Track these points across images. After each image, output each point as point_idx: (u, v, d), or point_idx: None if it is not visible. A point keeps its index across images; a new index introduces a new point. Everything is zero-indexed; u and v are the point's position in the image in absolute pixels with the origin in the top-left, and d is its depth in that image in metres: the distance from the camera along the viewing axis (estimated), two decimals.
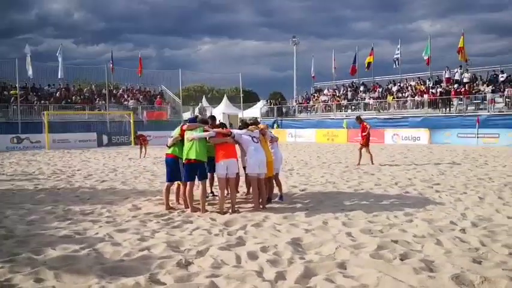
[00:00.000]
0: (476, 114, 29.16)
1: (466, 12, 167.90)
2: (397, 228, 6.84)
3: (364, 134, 16.87)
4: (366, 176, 13.25)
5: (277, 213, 8.06)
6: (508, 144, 26.08)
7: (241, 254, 5.54)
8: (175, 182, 8.88)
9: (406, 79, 38.30)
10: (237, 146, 8.56)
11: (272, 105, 44.26)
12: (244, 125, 9.16)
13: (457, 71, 33.99)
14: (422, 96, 33.82)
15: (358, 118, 17.65)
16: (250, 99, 60.96)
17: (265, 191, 8.69)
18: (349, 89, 40.87)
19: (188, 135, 8.30)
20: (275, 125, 41.50)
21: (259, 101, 57.51)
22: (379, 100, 36.66)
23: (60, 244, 6.15)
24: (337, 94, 40.87)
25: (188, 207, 8.55)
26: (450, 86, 33.28)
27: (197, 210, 8.35)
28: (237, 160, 8.36)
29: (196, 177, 8.33)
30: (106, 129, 34.70)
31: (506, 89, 29.67)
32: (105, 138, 33.20)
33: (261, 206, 8.45)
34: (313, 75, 46.18)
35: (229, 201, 8.42)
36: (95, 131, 33.56)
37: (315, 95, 43.46)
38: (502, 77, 31.95)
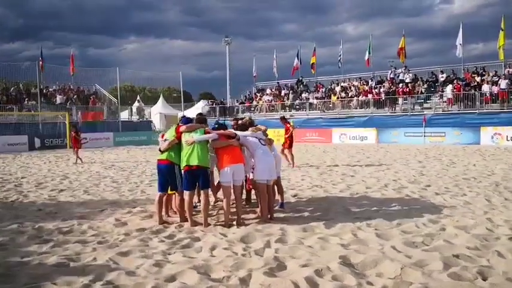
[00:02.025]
0: (421, 114, 29.78)
1: (387, 17, 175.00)
2: (438, 238, 6.16)
3: (286, 135, 16.26)
4: (347, 178, 12.66)
5: (290, 224, 7.17)
6: (454, 142, 26.78)
7: (298, 281, 4.59)
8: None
9: (349, 79, 38.62)
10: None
11: (214, 105, 43.12)
12: (239, 125, 8.20)
13: (401, 71, 34.62)
14: (366, 96, 34.12)
15: (283, 118, 16.89)
16: (185, 99, 59.34)
17: (272, 200, 7.78)
18: (291, 91, 40.57)
19: (187, 137, 7.21)
20: (216, 126, 40.33)
21: (192, 101, 56.07)
22: (323, 100, 36.63)
23: (59, 276, 4.91)
24: (282, 94, 40.45)
25: (185, 221, 7.48)
26: (393, 86, 33.83)
27: (198, 224, 7.29)
28: (245, 165, 7.39)
29: (197, 186, 7.27)
30: (38, 132, 32.01)
31: (447, 89, 30.47)
32: (37, 141, 30.56)
33: (269, 217, 7.54)
34: (254, 74, 45.55)
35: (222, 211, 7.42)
36: (25, 134, 30.81)
37: (258, 94, 42.83)
38: (442, 77, 32.92)
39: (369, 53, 37.16)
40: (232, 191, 7.34)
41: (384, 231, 6.61)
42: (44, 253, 5.87)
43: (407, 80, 33.70)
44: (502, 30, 31.20)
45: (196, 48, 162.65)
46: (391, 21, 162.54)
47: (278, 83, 42.79)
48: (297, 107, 37.86)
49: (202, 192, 7.24)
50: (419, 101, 31.77)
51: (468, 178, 12.01)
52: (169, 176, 7.37)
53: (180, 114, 45.78)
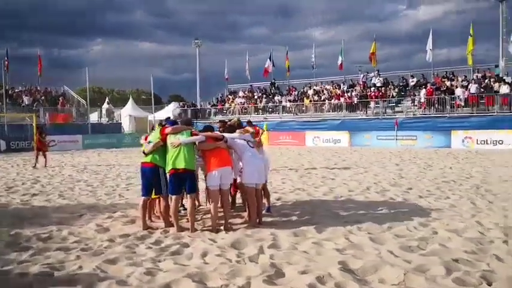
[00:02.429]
0: (393, 117, 30.12)
1: (353, 22, 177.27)
2: (433, 242, 6.08)
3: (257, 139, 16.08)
4: (328, 181, 12.58)
5: (279, 229, 6.99)
6: (425, 146, 27.16)
7: None
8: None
9: (322, 82, 38.83)
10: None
11: (186, 108, 42.63)
12: (227, 126, 7.98)
13: (373, 75, 34.97)
14: (339, 99, 34.32)
15: (249, 122, 16.66)
16: (155, 101, 58.34)
17: (261, 204, 7.58)
18: (264, 94, 40.52)
19: (173, 139, 6.94)
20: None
21: (162, 103, 55.12)
22: (296, 103, 36.67)
23: (44, 287, 4.59)
24: (255, 96, 40.32)
25: (170, 226, 7.21)
26: (364, 90, 34.15)
27: (184, 230, 7.03)
28: (232, 168, 7.17)
29: (184, 190, 7.02)
30: (4, 134, 30.90)
31: (421, 93, 30.86)
32: (3, 144, 29.51)
33: (257, 221, 7.34)
34: (226, 77, 45.32)
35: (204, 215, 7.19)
36: None
37: (230, 97, 42.59)
38: (413, 81, 33.41)
39: (342, 57, 37.44)
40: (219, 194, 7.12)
41: (377, 235, 6.50)
42: (25, 261, 5.52)
43: (379, 84, 34.06)
44: (471, 36, 31.90)
45: (165, 51, 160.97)
46: (357, 26, 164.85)
47: (251, 85, 42.64)
48: (270, 109, 37.77)
49: (188, 196, 6.99)
50: (390, 105, 32.12)
51: (448, 181, 12.08)
52: (153, 180, 7.09)
53: (150, 116, 45.18)
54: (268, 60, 41.11)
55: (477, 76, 30.39)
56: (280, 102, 37.82)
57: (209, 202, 8.88)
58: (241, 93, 42.61)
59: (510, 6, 34.14)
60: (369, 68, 36.76)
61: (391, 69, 35.79)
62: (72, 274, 5.01)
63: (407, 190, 10.67)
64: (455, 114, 28.24)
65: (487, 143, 25.62)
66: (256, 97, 40.41)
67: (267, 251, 5.84)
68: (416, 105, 31.00)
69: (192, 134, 7.03)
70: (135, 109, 48.97)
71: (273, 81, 41.59)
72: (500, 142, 25.15)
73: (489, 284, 4.51)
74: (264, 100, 39.28)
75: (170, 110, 44.42)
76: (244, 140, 7.35)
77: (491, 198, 9.39)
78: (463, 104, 28.45)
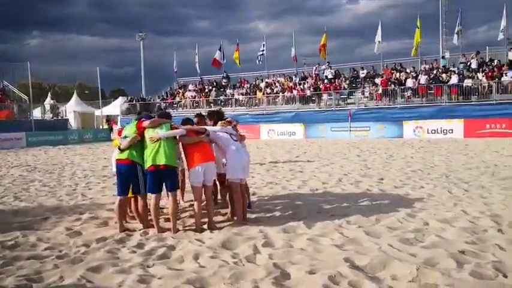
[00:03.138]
0: (346, 109, 30.44)
1: (296, 15, 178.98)
2: (429, 234, 5.94)
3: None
4: (297, 174, 12.36)
5: (267, 225, 6.66)
6: (378, 136, 27.62)
7: None
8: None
9: (273, 75, 38.73)
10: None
11: (134, 102, 41.37)
12: (210, 113, 7.54)
13: (325, 67, 35.16)
14: (291, 92, 34.32)
15: (139, 114, 16.13)
16: (97, 96, 56.36)
17: (246, 200, 7.22)
18: (214, 88, 39.97)
19: (151, 134, 6.45)
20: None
21: (106, 98, 53.20)
22: (249, 96, 36.39)
23: None
24: (206, 90, 39.69)
25: (149, 227, 6.73)
26: (316, 82, 34.32)
27: (165, 230, 6.57)
28: (215, 163, 6.75)
29: (164, 187, 6.54)
30: None
31: (368, 85, 31.36)
32: None
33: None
34: (175, 70, 44.34)
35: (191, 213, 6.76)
36: None
37: (180, 90, 41.72)
38: (363, 73, 33.90)
39: (294, 50, 37.47)
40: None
41: (370, 229, 6.30)
42: None
43: (330, 76, 34.32)
44: (418, 28, 32.71)
45: (106, 44, 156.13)
46: (300, 19, 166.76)
47: (202, 78, 41.92)
48: (223, 103, 37.26)
49: (170, 194, 6.51)
50: (342, 96, 32.44)
51: (415, 170, 12.16)
52: (130, 178, 6.57)
53: (97, 112, 43.65)
54: (219, 51, 40.46)
55: (425, 68, 31.19)
56: (233, 95, 37.40)
57: (183, 199, 8.54)
58: (191, 87, 41.81)
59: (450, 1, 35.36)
60: (314, 60, 37.02)
61: (333, 62, 35.97)
62: (55, 286, 4.48)
63: (380, 181, 10.62)
64: (406, 105, 28.85)
65: (437, 132, 26.36)
66: (207, 90, 39.76)
67: (262, 250, 5.49)
68: (367, 97, 31.44)
69: (171, 128, 6.56)
70: (80, 104, 47.25)
71: (224, 74, 40.99)
72: (450, 131, 25.94)
73: (505, 276, 4.37)
74: (213, 93, 38.68)
75: (117, 105, 43.14)
76: (227, 133, 6.95)
77: (465, 187, 9.46)
78: (412, 94, 29.09)
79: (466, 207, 7.46)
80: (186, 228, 6.72)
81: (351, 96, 32.30)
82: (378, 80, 31.08)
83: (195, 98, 39.18)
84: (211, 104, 37.43)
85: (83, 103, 48.58)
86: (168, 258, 5.36)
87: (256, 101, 35.59)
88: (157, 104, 40.76)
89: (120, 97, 44.83)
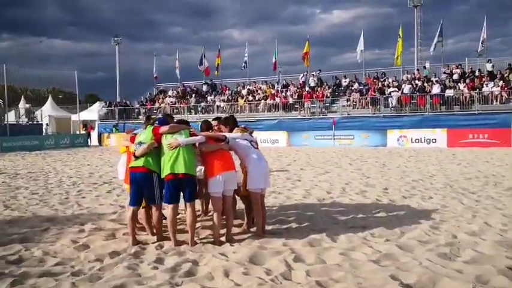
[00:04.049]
0: (329, 117, 30.37)
1: (270, 24, 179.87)
2: (464, 248, 5.69)
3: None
4: (296, 182, 12.06)
5: (288, 238, 6.33)
6: (362, 144, 27.62)
7: None
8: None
9: (255, 82, 38.48)
10: None
11: (113, 107, 40.46)
12: (208, 126, 7.07)
13: (310, 75, 35.01)
14: (274, 99, 34.11)
15: (148, 118, 15.45)
16: (73, 101, 55.01)
17: (265, 211, 6.86)
18: (194, 94, 39.45)
19: (169, 140, 6.05)
20: (114, 129, 38.11)
21: (79, 103, 51.81)
22: (231, 103, 36.01)
23: None
24: (186, 96, 39.12)
25: (163, 239, 6.32)
26: (298, 90, 34.19)
27: (182, 243, 6.16)
28: (236, 172, 6.39)
29: (183, 198, 6.14)
30: None
31: (352, 94, 31.36)
32: None
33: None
34: (155, 75, 43.65)
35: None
36: None
37: (160, 96, 41.03)
38: (345, 81, 33.95)
39: (275, 57, 37.34)
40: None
41: (399, 242, 6.02)
42: None
43: (313, 84, 34.24)
44: (400, 37, 32.99)
45: (78, 49, 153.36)
46: (274, 28, 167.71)
47: (183, 84, 41.33)
48: (203, 109, 36.77)
49: (188, 205, 6.10)
50: (326, 104, 32.38)
51: (416, 180, 12.00)
52: (145, 187, 6.14)
53: (74, 117, 42.53)
54: (204, 58, 39.99)
55: (407, 77, 31.41)
56: (214, 102, 36.95)
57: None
58: (170, 93, 41.17)
59: (425, 11, 35.89)
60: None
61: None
62: None
63: (385, 191, 10.40)
64: (390, 114, 28.95)
65: (421, 142, 26.50)
66: (188, 96, 39.18)
67: (295, 265, 5.15)
68: (350, 106, 31.45)
69: (191, 134, 6.17)
70: (55, 109, 45.98)
71: (208, 81, 40.45)
72: (434, 140, 26.10)
73: None
74: (193, 100, 38.14)
75: (95, 110, 42.16)
76: (247, 140, 6.59)
77: (474, 197, 9.31)
78: (395, 104, 29.22)
79: (486, 219, 7.27)
80: (204, 241, 6.32)
81: (333, 105, 32.25)
82: (359, 88, 31.05)
83: (175, 103, 38.56)
84: (192, 111, 36.94)
85: (58, 107, 47.33)
86: (196, 275, 4.96)
87: (238, 108, 35.23)
88: (136, 110, 39.99)
89: (98, 102, 43.82)
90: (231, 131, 6.72)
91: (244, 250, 5.77)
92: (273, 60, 37.54)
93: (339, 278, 4.66)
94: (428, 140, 26.30)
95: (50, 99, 46.63)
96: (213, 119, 7.27)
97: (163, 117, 6.72)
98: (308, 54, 36.18)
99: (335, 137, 28.94)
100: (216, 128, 6.95)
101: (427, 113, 27.79)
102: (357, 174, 13.66)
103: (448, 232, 6.52)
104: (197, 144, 6.17)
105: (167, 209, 6.15)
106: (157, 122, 6.49)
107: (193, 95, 38.61)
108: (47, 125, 38.84)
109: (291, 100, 33.09)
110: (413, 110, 28.55)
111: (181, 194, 6.09)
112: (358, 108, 30.89)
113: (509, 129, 24.25)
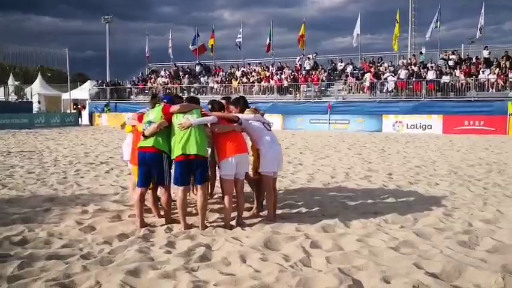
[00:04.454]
0: (324, 101, 30.17)
1: (261, 6, 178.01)
2: (483, 236, 5.55)
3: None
4: (298, 166, 11.89)
5: (301, 223, 6.17)
6: (357, 129, 27.50)
7: None
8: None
9: (249, 63, 38.09)
10: None
11: (105, 87, 39.84)
12: (220, 107, 6.84)
13: (306, 58, 34.67)
14: (269, 81, 33.79)
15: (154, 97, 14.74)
16: (63, 79, 54.04)
17: (277, 196, 6.68)
18: (187, 75, 38.96)
19: (180, 120, 5.82)
20: (105, 109, 37.59)
21: (69, 82, 50.73)
22: (224, 84, 35.62)
23: None
24: (180, 76, 38.62)
25: (172, 222, 6.14)
26: (293, 73, 33.90)
27: (192, 227, 5.97)
28: (249, 154, 6.19)
29: (195, 179, 5.95)
30: None
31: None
32: None
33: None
34: (147, 55, 43.01)
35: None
36: None
37: (152, 76, 40.47)
38: (341, 65, 33.69)
39: (270, 39, 36.92)
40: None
41: (415, 229, 5.87)
42: (17, 277, 4.21)
43: (308, 68, 33.95)
44: (397, 22, 32.73)
45: (67, 27, 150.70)
46: (265, 10, 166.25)
47: (175, 64, 40.76)
48: (196, 90, 36.36)
49: (199, 187, 5.89)
50: (321, 88, 32.12)
51: (419, 166, 11.89)
52: (155, 167, 5.92)
53: (64, 95, 41.91)
54: (197, 38, 39.37)
55: (403, 62, 31.23)
56: (207, 83, 36.54)
57: (193, 192, 7.89)
58: (163, 73, 40.58)
59: None
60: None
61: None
62: None
63: (390, 176, 10.27)
64: (385, 99, 28.81)
65: (416, 128, 26.46)
66: (180, 77, 38.68)
67: (313, 252, 4.98)
68: (345, 90, 31.24)
69: (202, 114, 5.94)
70: (45, 87, 45.21)
71: (201, 62, 39.92)
72: (429, 127, 26.07)
73: None
74: (186, 80, 37.65)
75: (86, 89, 41.55)
76: (259, 121, 6.37)
77: (481, 184, 9.21)
78: (391, 89, 29.06)
79: (498, 207, 7.16)
80: (214, 224, 6.14)
81: (329, 89, 32.03)
82: (353, 72, 30.78)
83: (167, 84, 38.08)
84: (185, 91, 36.48)
85: (48, 86, 46.54)
86: (210, 260, 4.78)
87: (232, 90, 34.85)
88: (128, 90, 39.45)
89: (89, 81, 43.10)
90: (241, 111, 6.49)
91: (258, 235, 5.59)
92: (267, 42, 37.10)
93: (361, 266, 4.50)
94: (424, 126, 26.26)
95: (39, 77, 45.77)
96: (222, 99, 7.02)
97: (168, 95, 6.47)
98: (304, 37, 35.80)
99: (330, 122, 28.81)
100: (226, 109, 6.70)
101: (422, 99, 27.68)
102: (357, 159, 13.52)
103: (462, 219, 6.40)
104: (209, 125, 5.94)
105: (177, 191, 5.93)
106: (165, 101, 6.22)
107: (186, 76, 38.11)
108: (38, 102, 38.13)
109: (286, 83, 32.79)
110: (409, 95, 28.40)
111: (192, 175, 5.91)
112: (353, 92, 30.70)
113: (505, 116, 24.26)
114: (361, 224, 6.16)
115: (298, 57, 35.22)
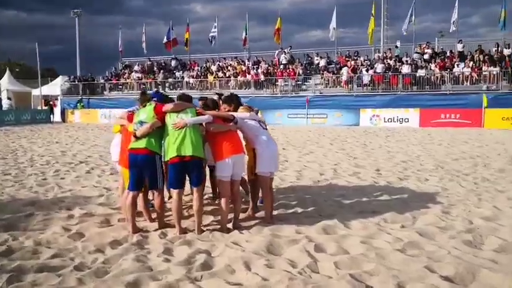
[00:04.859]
0: (302, 96, 30.07)
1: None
2: (486, 235, 5.47)
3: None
4: (286, 164, 11.67)
5: (300, 224, 5.98)
6: (335, 124, 27.52)
7: None
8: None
9: (225, 58, 37.71)
10: None
11: (77, 82, 38.84)
12: (215, 105, 6.62)
13: (282, 52, 34.44)
14: (245, 76, 33.51)
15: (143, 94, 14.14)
16: (31, 75, 52.46)
17: (273, 196, 6.48)
18: (162, 70, 38.35)
19: (174, 119, 5.54)
20: (79, 105, 36.71)
21: (38, 77, 49.30)
22: (200, 79, 35.17)
23: None
24: (155, 71, 37.95)
25: (165, 226, 5.88)
26: (270, 67, 33.69)
27: (187, 231, 5.72)
28: (245, 155, 5.97)
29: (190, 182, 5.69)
30: None
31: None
32: None
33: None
34: (120, 49, 42.12)
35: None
36: None
37: (126, 71, 39.67)
38: (317, 59, 33.63)
39: (246, 33, 36.61)
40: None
41: (419, 229, 5.74)
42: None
43: (284, 62, 33.77)
44: (373, 16, 32.82)
45: (34, 20, 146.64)
46: (237, 3, 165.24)
47: (149, 58, 40.01)
48: (171, 85, 35.80)
49: (195, 190, 5.65)
50: (298, 83, 32.03)
51: (405, 161, 11.84)
52: (147, 170, 5.63)
53: (34, 91, 40.73)
54: (171, 31, 38.71)
55: (379, 56, 31.38)
56: (183, 77, 36.02)
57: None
58: (136, 68, 39.79)
59: None
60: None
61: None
62: None
63: (378, 172, 10.19)
64: (362, 93, 28.90)
65: (393, 121, 26.61)
66: (155, 72, 38.00)
67: (319, 256, 4.79)
68: (322, 84, 31.22)
69: (197, 114, 5.68)
70: (13, 83, 43.79)
71: (176, 56, 39.30)
72: (406, 120, 26.25)
73: None
74: (161, 75, 37.01)
75: (57, 85, 40.47)
76: (255, 120, 6.15)
77: (470, 179, 9.20)
78: (368, 82, 29.17)
79: (493, 203, 7.12)
80: (209, 228, 5.89)
81: (306, 83, 31.95)
82: (328, 66, 30.72)
83: (141, 79, 37.40)
84: (159, 86, 35.89)
85: (17, 82, 45.13)
86: (213, 268, 4.54)
87: (208, 85, 34.45)
88: (101, 85, 38.59)
89: (60, 76, 41.90)
90: (235, 109, 6.25)
91: (258, 239, 5.38)
92: (243, 36, 36.75)
93: (372, 271, 4.33)
94: (401, 120, 26.44)
95: (7, 73, 44.33)
96: (219, 98, 6.77)
97: (157, 93, 6.18)
98: (280, 31, 35.61)
99: (308, 116, 28.73)
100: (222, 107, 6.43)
101: (399, 93, 27.85)
102: (342, 154, 13.42)
103: (461, 217, 6.31)
104: (204, 124, 5.68)
105: (172, 195, 5.66)
106: (154, 99, 5.93)
107: (161, 71, 37.47)
108: (9, 99, 36.92)
109: (262, 77, 32.55)
110: (386, 89, 28.55)
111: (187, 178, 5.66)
112: (330, 87, 30.69)
113: (480, 109, 24.59)
114: (361, 224, 6.01)
115: (277, 51, 34.89)
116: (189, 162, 5.44)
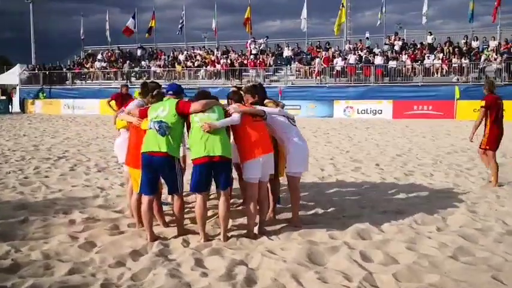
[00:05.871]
0: (273, 86, 29.63)
1: None
2: None
3: None
4: None
5: (330, 228, 5.56)
6: (309, 115, 27.23)
7: None
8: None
9: (193, 47, 36.83)
10: None
11: (37, 71, 37.01)
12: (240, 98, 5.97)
13: (258, 43, 33.80)
14: (214, 66, 32.78)
15: (124, 86, 13.23)
16: None
17: (300, 198, 6.02)
18: (128, 60, 37.12)
19: (201, 117, 4.99)
20: (40, 95, 35.05)
21: None
22: (167, 69, 34.16)
23: None
24: (119, 59, 36.64)
25: (184, 233, 5.34)
26: (239, 57, 33.11)
27: (211, 238, 5.21)
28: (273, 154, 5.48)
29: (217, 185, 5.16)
30: None
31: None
32: None
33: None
34: (82, 37, 40.47)
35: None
36: None
37: (89, 60, 38.12)
38: (288, 50, 33.22)
39: (215, 23, 35.84)
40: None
41: (460, 231, 5.42)
42: None
43: (254, 52, 33.22)
44: (343, 6, 32.61)
45: None
46: None
47: (119, 47, 38.55)
48: (137, 75, 34.66)
49: (222, 193, 5.11)
50: (268, 73, 31.59)
51: (400, 155, 11.62)
52: (165, 173, 5.07)
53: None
54: (132, 19, 37.46)
55: (349, 47, 31.31)
56: (149, 67, 34.90)
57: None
58: (100, 56, 38.32)
59: None
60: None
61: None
62: None
63: (379, 167, 9.90)
64: (335, 84, 28.75)
65: (367, 113, 26.57)
66: (119, 61, 36.69)
67: (370, 267, 4.39)
68: (293, 75, 30.91)
69: (224, 113, 5.16)
70: None
71: (139, 45, 38.08)
72: (380, 112, 26.26)
73: None
74: (127, 65, 35.75)
75: (15, 73, 38.45)
76: (284, 116, 5.66)
77: (476, 174, 9.04)
78: (340, 73, 29.05)
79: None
80: (234, 234, 5.39)
81: (276, 73, 31.55)
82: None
83: (106, 68, 36.03)
84: (124, 76, 34.69)
85: None
86: (257, 283, 4.07)
87: (176, 75, 33.51)
88: (63, 74, 36.93)
89: (18, 64, 39.81)
90: (261, 102, 5.73)
91: (294, 246, 4.92)
92: (213, 26, 36.00)
93: (438, 283, 3.97)
94: (374, 111, 26.42)
95: None
96: (241, 88, 6.18)
97: (173, 85, 5.53)
98: (250, 20, 34.99)
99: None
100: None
101: (371, 84, 27.85)
102: (332, 148, 13.12)
103: (492, 217, 6.05)
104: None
105: (196, 199, 5.12)
106: (170, 92, 5.34)
107: (127, 61, 36.16)
108: None
109: (236, 65, 31.81)
110: (358, 80, 28.50)
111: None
112: (302, 78, 30.41)
113: (452, 101, 24.81)
114: (394, 227, 5.64)
115: (249, 41, 34.17)
116: (218, 162, 4.92)
